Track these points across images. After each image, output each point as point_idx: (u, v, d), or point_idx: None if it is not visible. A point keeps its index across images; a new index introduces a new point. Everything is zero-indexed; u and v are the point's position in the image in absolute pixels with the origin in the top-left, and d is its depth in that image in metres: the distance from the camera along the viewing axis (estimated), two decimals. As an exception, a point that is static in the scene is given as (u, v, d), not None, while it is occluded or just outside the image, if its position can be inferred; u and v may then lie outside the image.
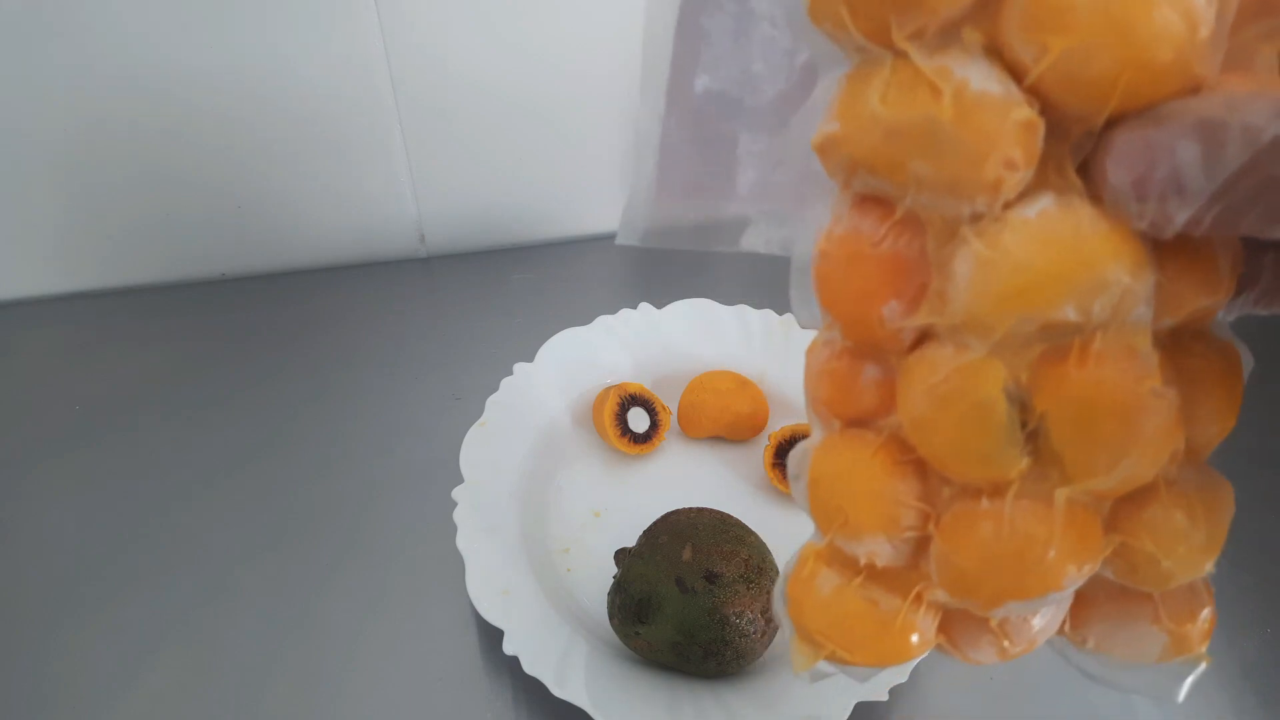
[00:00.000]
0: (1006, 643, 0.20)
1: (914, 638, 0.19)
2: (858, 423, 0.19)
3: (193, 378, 0.53)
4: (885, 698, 0.36)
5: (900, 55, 0.15)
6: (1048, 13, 0.14)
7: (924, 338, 0.18)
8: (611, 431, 0.47)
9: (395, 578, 0.43)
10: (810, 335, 0.20)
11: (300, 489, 0.47)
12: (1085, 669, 0.20)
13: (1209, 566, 0.18)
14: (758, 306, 0.52)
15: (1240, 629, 0.42)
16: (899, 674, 0.36)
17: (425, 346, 0.55)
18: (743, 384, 0.49)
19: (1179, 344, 0.17)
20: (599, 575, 0.41)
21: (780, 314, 0.51)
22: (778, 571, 0.39)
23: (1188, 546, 0.18)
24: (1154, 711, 0.40)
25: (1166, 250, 0.15)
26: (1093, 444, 0.16)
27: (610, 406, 0.47)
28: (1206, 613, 0.19)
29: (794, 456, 0.20)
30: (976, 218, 0.16)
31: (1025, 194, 0.15)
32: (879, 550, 0.19)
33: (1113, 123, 0.15)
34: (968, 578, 0.18)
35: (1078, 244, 0.15)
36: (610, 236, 0.64)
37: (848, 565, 0.20)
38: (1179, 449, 0.17)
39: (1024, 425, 0.17)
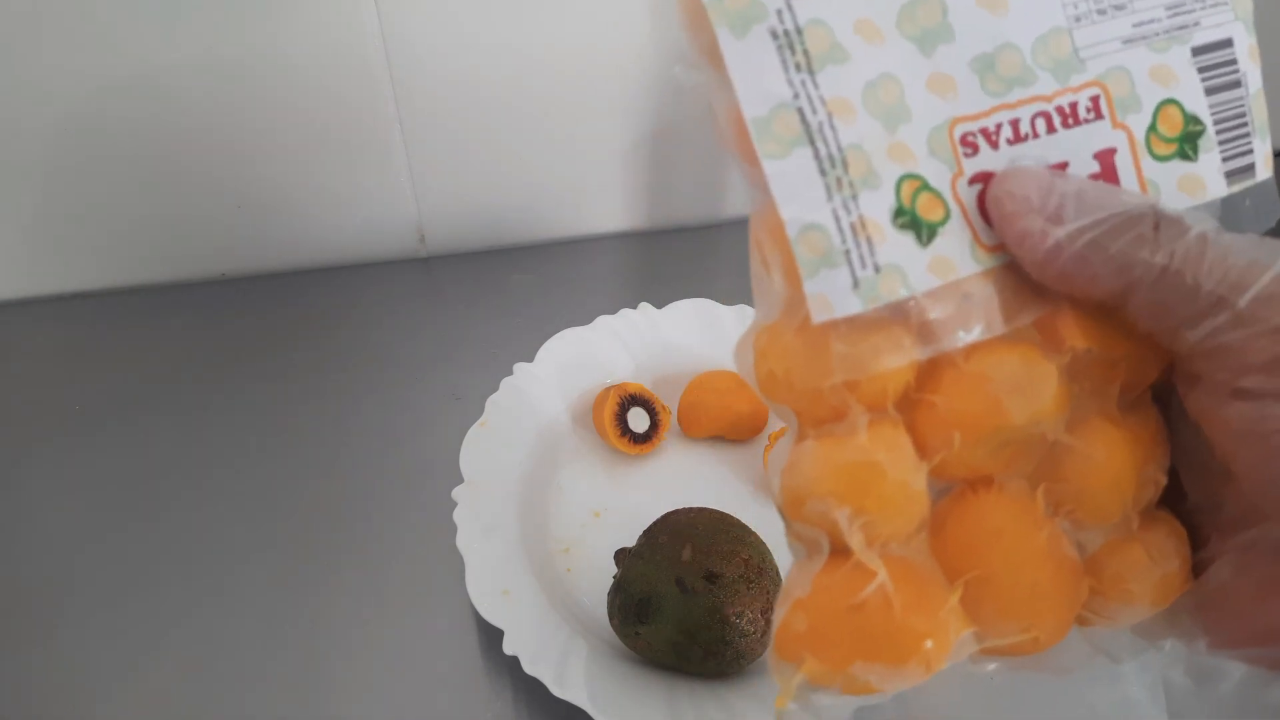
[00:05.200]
0: None
1: (928, 642, 0.19)
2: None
3: (193, 378, 0.53)
4: (885, 697, 0.36)
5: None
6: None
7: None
8: (611, 431, 0.47)
9: (395, 578, 0.43)
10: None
11: (300, 489, 0.47)
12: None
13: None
14: (758, 306, 0.52)
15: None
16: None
17: (425, 346, 0.55)
18: (743, 384, 0.49)
19: (1133, 409, 0.20)
20: (599, 575, 0.41)
21: (780, 314, 0.51)
22: (778, 571, 0.39)
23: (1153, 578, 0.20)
24: (1154, 711, 0.40)
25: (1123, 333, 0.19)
26: None
27: (610, 406, 0.47)
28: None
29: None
30: None
31: None
32: None
33: None
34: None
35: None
36: (610, 236, 0.64)
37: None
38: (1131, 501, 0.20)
39: None
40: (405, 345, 0.55)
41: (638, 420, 0.47)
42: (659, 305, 0.52)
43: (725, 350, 0.51)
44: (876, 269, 0.18)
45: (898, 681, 0.19)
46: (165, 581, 0.43)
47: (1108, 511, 0.20)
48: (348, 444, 0.50)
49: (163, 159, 0.54)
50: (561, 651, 0.37)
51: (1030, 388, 0.18)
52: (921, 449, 0.19)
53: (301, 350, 0.55)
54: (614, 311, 0.51)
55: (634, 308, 0.52)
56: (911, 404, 0.19)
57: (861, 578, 0.18)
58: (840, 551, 0.19)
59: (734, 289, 0.54)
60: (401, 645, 0.41)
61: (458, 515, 0.41)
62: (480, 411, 0.46)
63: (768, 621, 0.37)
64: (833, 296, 0.18)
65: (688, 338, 0.51)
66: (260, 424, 0.51)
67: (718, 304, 0.52)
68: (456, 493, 0.42)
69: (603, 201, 0.62)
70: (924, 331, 0.19)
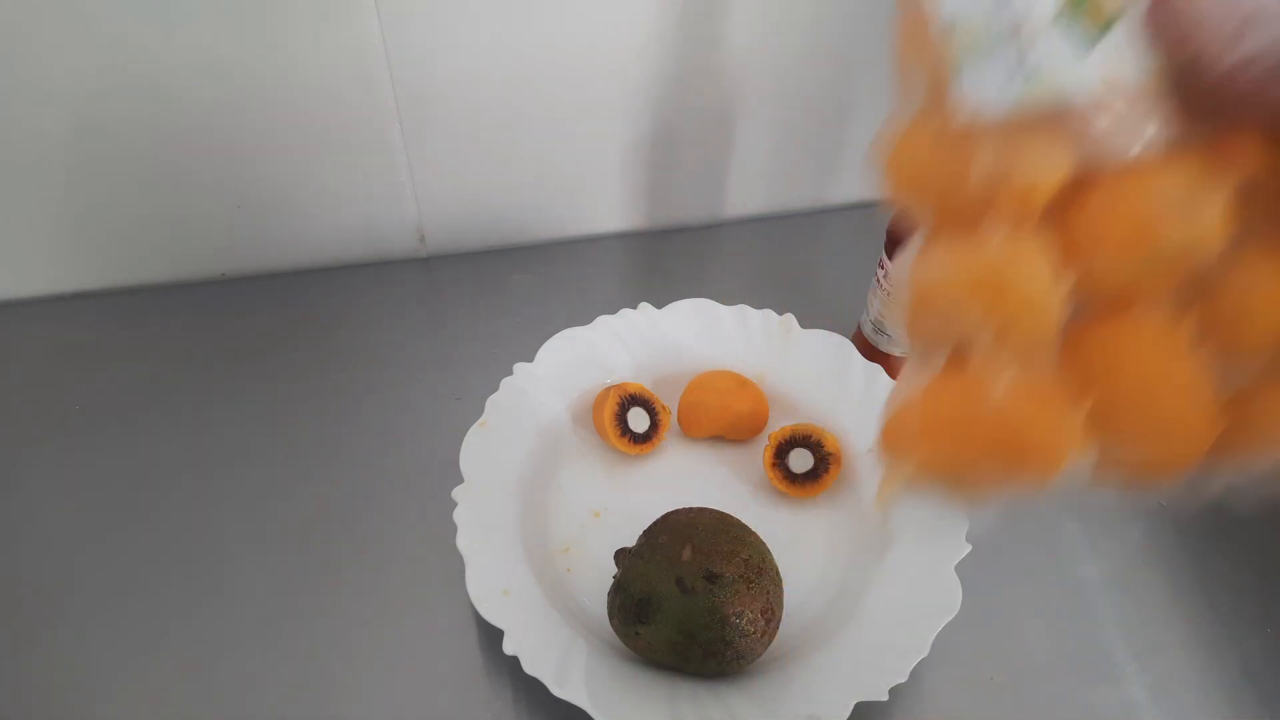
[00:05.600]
0: None
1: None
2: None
3: (193, 378, 0.53)
4: (885, 698, 0.36)
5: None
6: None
7: None
8: (611, 431, 0.47)
9: (395, 578, 0.43)
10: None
11: (300, 489, 0.47)
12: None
13: None
14: (758, 306, 0.52)
15: (1241, 629, 0.42)
16: (899, 673, 0.36)
17: (425, 346, 0.55)
18: (743, 384, 0.49)
19: None
20: (599, 575, 0.41)
21: (780, 314, 0.51)
22: (778, 571, 0.39)
23: None
24: (1154, 711, 0.40)
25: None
26: None
27: (610, 406, 0.47)
28: None
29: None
30: None
31: None
32: None
33: None
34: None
35: None
36: (610, 236, 0.64)
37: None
38: None
39: None
40: (405, 345, 0.55)
41: (638, 420, 0.47)
42: (659, 305, 0.52)
43: (725, 350, 0.51)
44: (1034, 68, 0.17)
45: (1010, 485, 0.18)
46: (165, 581, 0.43)
47: (1261, 346, 0.18)
48: (348, 444, 0.50)
49: (163, 159, 0.54)
50: (561, 651, 0.37)
51: (1192, 207, 0.17)
52: (1065, 262, 0.18)
53: (301, 350, 0.55)
54: (614, 311, 0.51)
55: (634, 308, 0.52)
56: (1059, 214, 0.18)
57: (986, 380, 0.18)
58: (962, 355, 0.18)
59: (734, 289, 0.54)
60: (401, 645, 0.41)
61: (458, 515, 0.41)
62: (480, 411, 0.46)
63: (768, 621, 0.37)
64: (984, 94, 0.17)
65: (688, 338, 0.51)
66: (260, 424, 0.51)
67: (718, 304, 0.52)
68: (456, 493, 0.42)
69: (603, 201, 0.62)
70: (1080, 140, 0.17)
